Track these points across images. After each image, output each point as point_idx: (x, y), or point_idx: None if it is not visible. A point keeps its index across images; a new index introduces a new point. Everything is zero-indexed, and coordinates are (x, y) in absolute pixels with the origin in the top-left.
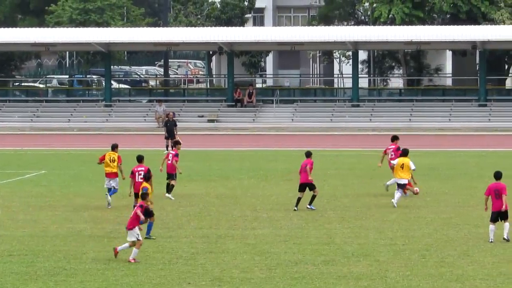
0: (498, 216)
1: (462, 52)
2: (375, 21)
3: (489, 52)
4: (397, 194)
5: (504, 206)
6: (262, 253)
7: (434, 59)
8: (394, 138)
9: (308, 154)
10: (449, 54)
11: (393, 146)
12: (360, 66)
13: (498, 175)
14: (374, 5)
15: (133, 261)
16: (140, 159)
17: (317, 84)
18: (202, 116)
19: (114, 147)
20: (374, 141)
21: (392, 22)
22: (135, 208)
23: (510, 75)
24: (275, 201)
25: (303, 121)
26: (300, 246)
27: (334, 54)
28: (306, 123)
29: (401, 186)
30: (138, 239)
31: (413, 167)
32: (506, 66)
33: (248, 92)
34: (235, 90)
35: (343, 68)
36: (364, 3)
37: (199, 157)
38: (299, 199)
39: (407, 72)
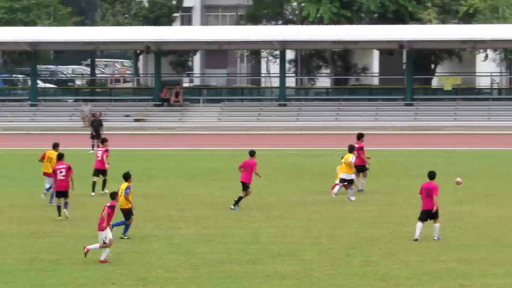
0: (428, 215)
1: (389, 52)
2: (303, 21)
3: (416, 51)
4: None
5: (434, 207)
6: (187, 253)
7: (361, 59)
8: (360, 136)
9: (252, 153)
10: (376, 53)
11: (357, 145)
12: (287, 65)
13: (431, 175)
14: (302, 4)
15: (104, 261)
16: (60, 156)
17: (244, 84)
18: (129, 116)
19: (55, 146)
20: (301, 140)
21: (320, 21)
22: (105, 208)
23: (436, 74)
24: (200, 200)
25: (230, 120)
26: (226, 246)
27: (261, 53)
28: (233, 123)
29: (349, 182)
30: (104, 242)
31: (352, 160)
32: (433, 66)
33: (175, 92)
34: (161, 90)
35: (271, 67)
36: (292, 3)
37: (125, 156)
38: (240, 198)
39: (334, 72)
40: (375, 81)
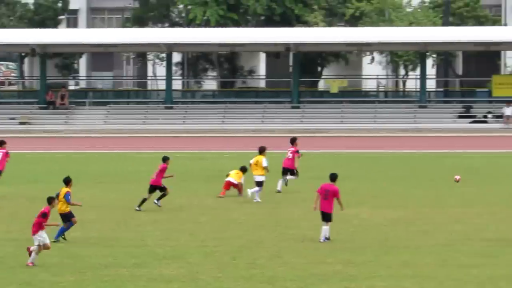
0: (324, 216)
1: (276, 54)
2: (189, 23)
3: (303, 54)
4: (254, 189)
5: (329, 209)
6: (73, 256)
7: (248, 61)
8: (293, 140)
9: (165, 159)
10: (262, 56)
11: (293, 148)
12: (173, 68)
13: (332, 177)
14: (189, 7)
15: (31, 264)
16: None
17: (130, 86)
18: (14, 119)
19: None
20: (187, 143)
21: (207, 24)
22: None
23: (323, 77)
24: (86, 203)
25: (116, 123)
26: (112, 249)
27: (148, 56)
28: (119, 125)
29: (259, 184)
30: (39, 244)
31: (265, 164)
32: (319, 68)
33: (61, 94)
34: (47, 92)
35: (157, 70)
36: (179, 5)
37: (10, 160)
38: (144, 200)
39: (220, 74)
40: (262, 84)
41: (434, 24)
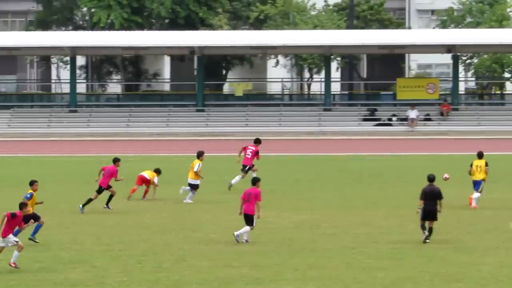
0: (246, 218)
1: (180, 58)
2: (93, 26)
3: (207, 57)
4: (187, 188)
5: (256, 213)
6: None
7: (153, 64)
8: (257, 141)
9: (115, 160)
10: (167, 59)
11: (253, 148)
12: (78, 71)
13: (253, 181)
14: (93, 10)
15: (13, 265)
16: None
17: (34, 90)
18: None
19: None
20: (92, 146)
21: (111, 27)
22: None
23: (227, 80)
24: None
25: (20, 127)
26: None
27: (51, 59)
28: (23, 129)
29: (192, 187)
30: (17, 243)
31: (196, 168)
32: (224, 72)
33: None
34: None
35: (61, 73)
36: (82, 8)
37: None
38: (90, 200)
39: (125, 78)
40: (167, 87)
41: (339, 27)
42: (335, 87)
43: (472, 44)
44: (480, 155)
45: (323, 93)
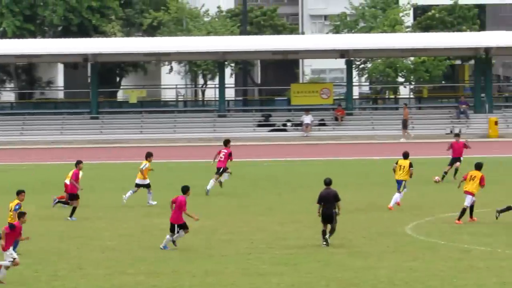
0: (173, 226)
1: (74, 65)
2: None
3: (101, 64)
4: (148, 195)
5: (178, 220)
6: None
7: (46, 72)
8: (227, 142)
9: (77, 163)
10: (61, 67)
11: (226, 150)
12: None
13: (183, 189)
14: None
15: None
16: None
17: None
18: None
19: None
20: None
21: (3, 35)
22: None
23: (121, 87)
24: None
25: None
26: None
27: None
28: None
29: (146, 187)
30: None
31: (141, 166)
32: (118, 79)
33: None
34: None
35: None
36: None
37: None
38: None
39: (18, 86)
40: (61, 95)
41: (232, 33)
42: (230, 93)
43: (365, 49)
44: (405, 155)
45: (217, 99)
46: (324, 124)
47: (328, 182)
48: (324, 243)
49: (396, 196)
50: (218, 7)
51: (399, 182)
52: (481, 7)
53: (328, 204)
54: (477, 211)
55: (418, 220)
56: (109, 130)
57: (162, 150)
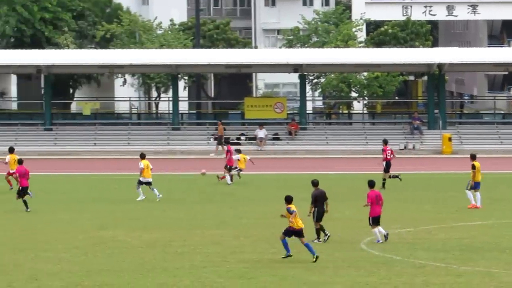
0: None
1: (27, 76)
2: None
3: (55, 76)
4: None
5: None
6: None
7: (0, 83)
8: (227, 142)
9: (20, 161)
10: (14, 78)
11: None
12: None
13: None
14: None
15: None
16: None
17: None
18: None
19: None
20: None
21: None
22: None
23: (75, 99)
24: None
25: None
26: None
27: None
28: None
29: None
30: None
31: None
32: (71, 90)
33: None
34: None
35: None
36: None
37: None
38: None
39: None
40: (14, 106)
41: (185, 46)
42: (183, 106)
43: (319, 64)
44: (473, 157)
45: (171, 112)
46: (278, 138)
47: (316, 183)
48: (326, 238)
49: (479, 197)
50: (171, 20)
51: (478, 184)
52: (434, 24)
53: (320, 203)
54: (431, 227)
55: (373, 235)
56: (63, 141)
57: (115, 163)
